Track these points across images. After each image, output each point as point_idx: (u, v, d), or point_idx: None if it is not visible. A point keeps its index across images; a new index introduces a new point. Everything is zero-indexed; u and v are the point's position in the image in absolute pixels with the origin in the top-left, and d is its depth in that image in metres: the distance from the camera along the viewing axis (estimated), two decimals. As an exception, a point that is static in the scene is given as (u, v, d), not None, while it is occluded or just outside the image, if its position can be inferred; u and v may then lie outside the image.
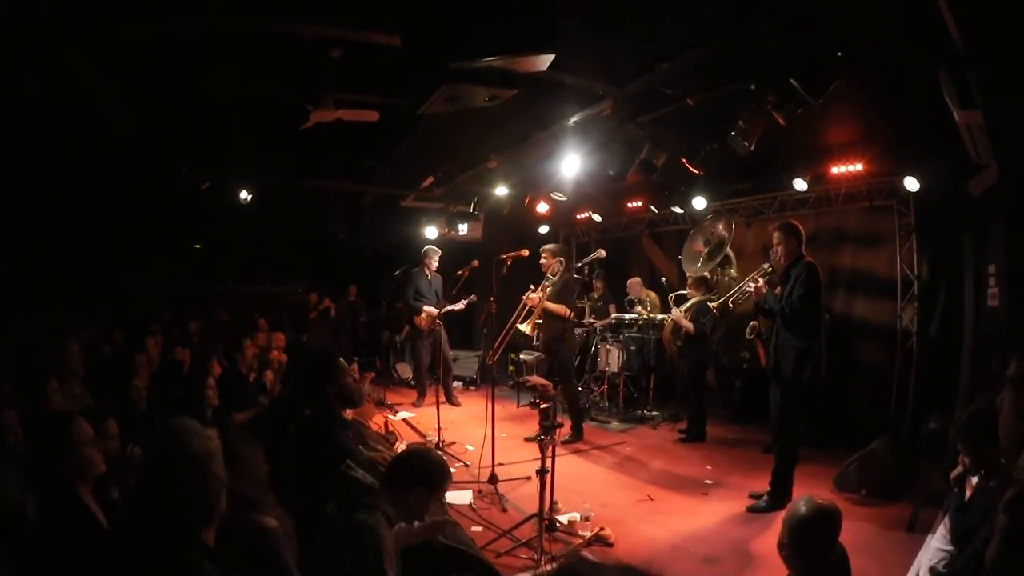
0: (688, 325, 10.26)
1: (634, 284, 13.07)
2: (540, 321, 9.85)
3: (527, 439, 9.45)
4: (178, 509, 2.53)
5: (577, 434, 10.05)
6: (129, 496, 3.81)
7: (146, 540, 2.56)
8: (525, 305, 9.71)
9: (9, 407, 4.23)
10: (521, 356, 9.00)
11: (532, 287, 9.75)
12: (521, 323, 9.67)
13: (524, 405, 12.28)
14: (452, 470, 4.50)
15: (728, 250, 10.63)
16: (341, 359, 5.86)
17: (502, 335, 9.77)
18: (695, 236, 11.09)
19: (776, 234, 7.45)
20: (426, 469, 3.85)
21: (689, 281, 10.83)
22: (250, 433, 5.39)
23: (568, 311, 9.72)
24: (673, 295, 11.07)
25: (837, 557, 3.55)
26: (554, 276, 9.73)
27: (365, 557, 3.34)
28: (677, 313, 10.49)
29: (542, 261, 9.94)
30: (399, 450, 8.67)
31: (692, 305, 10.50)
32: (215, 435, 2.72)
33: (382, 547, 3.39)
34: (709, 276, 10.82)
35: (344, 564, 3.42)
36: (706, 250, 10.47)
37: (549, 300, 9.63)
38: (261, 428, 6.40)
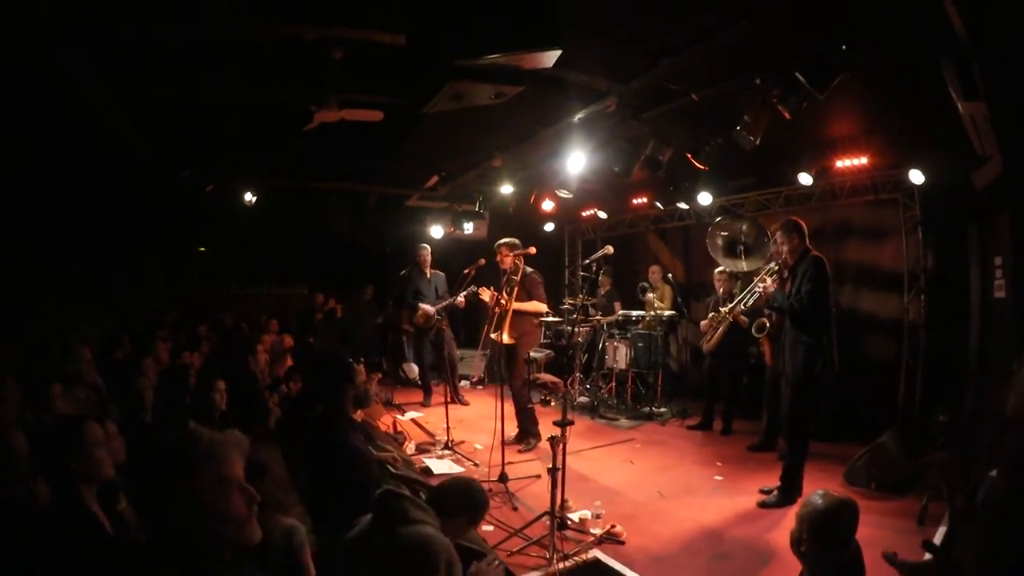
0: (744, 320, 10.22)
1: (655, 270, 13.21)
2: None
3: (520, 450, 9.36)
4: (167, 521, 2.52)
5: (524, 436, 9.78)
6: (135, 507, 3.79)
7: (149, 551, 2.55)
8: (494, 313, 9.39)
9: (14, 412, 4.23)
10: (531, 353, 8.89)
11: (496, 293, 9.60)
12: (494, 332, 9.47)
13: (534, 403, 12.28)
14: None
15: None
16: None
17: (482, 341, 9.69)
18: (720, 230, 11.01)
19: (779, 234, 7.49)
20: (471, 502, 3.93)
21: (719, 277, 10.77)
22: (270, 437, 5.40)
23: (542, 306, 9.60)
24: (711, 299, 11.00)
25: (852, 552, 3.54)
26: (515, 275, 9.39)
27: (434, 567, 3.32)
28: (738, 314, 10.42)
29: (498, 258, 9.64)
30: (408, 450, 8.68)
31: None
32: (213, 443, 2.68)
33: (451, 557, 3.38)
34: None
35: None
36: (743, 248, 10.37)
37: (517, 300, 9.36)
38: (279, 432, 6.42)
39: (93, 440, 3.63)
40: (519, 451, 8.63)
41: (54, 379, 5.48)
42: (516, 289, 9.32)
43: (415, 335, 13.01)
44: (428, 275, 12.45)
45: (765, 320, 8.79)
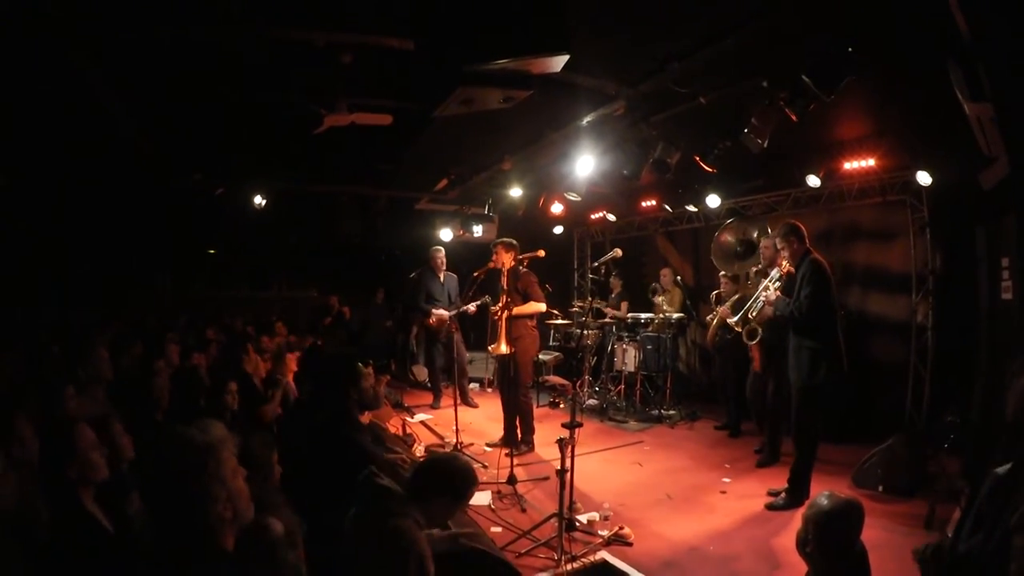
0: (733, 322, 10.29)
1: (666, 273, 13.13)
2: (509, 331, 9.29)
3: (507, 454, 9.24)
4: (177, 518, 2.55)
5: (512, 440, 9.53)
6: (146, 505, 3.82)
7: (157, 547, 2.59)
8: (498, 324, 9.28)
9: (24, 413, 4.26)
10: (539, 356, 8.87)
11: (491, 303, 9.51)
12: (491, 345, 9.46)
13: (543, 405, 12.30)
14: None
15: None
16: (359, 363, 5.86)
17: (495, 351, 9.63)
18: (724, 233, 10.99)
19: (778, 240, 7.49)
20: (452, 478, 3.81)
21: (723, 279, 10.81)
22: (268, 433, 5.42)
23: (540, 306, 9.48)
24: (714, 294, 11.03)
25: (857, 554, 3.56)
26: (506, 276, 9.37)
27: (404, 563, 3.34)
28: (725, 311, 10.49)
29: (493, 258, 9.54)
30: (417, 452, 8.69)
31: (734, 302, 10.52)
32: (222, 443, 2.71)
33: (421, 552, 3.40)
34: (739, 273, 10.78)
35: (382, 570, 3.44)
36: (740, 250, 10.39)
37: (516, 306, 9.26)
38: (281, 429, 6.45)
39: (86, 443, 3.65)
40: (506, 455, 8.53)
41: (67, 381, 5.51)
42: (509, 298, 9.23)
43: (426, 338, 12.98)
44: (441, 278, 12.40)
45: (757, 327, 8.77)
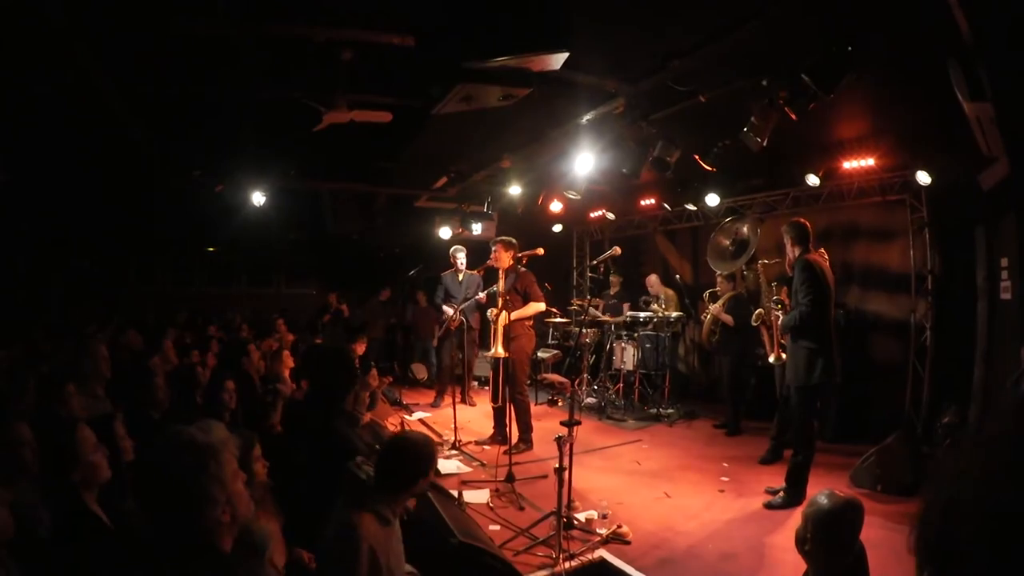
0: (729, 318, 10.38)
1: (653, 281, 13.14)
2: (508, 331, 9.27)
3: (477, 442, 9.22)
4: (175, 520, 2.54)
5: (525, 443, 9.64)
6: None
7: (155, 547, 2.59)
8: (495, 328, 9.25)
9: (26, 411, 4.25)
10: (538, 354, 8.83)
11: (493, 310, 9.49)
12: (489, 351, 9.47)
13: (541, 403, 12.31)
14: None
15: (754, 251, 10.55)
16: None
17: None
18: (719, 234, 11.01)
19: (785, 239, 7.52)
20: (416, 462, 3.81)
21: (719, 278, 10.84)
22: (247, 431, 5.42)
23: (540, 305, 9.49)
24: (707, 292, 11.09)
25: (857, 553, 3.55)
26: (505, 275, 9.31)
27: (343, 557, 3.37)
28: (717, 308, 10.56)
29: (492, 256, 9.48)
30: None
31: (728, 299, 10.56)
32: (223, 444, 2.70)
33: (360, 548, 3.39)
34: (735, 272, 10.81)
35: (326, 562, 3.52)
36: (732, 249, 10.42)
37: (516, 309, 9.24)
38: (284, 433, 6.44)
39: (87, 446, 3.64)
40: (504, 453, 8.58)
41: (67, 378, 5.50)
42: (508, 297, 9.20)
43: (444, 335, 12.86)
44: (460, 278, 12.26)
45: (761, 311, 8.82)
